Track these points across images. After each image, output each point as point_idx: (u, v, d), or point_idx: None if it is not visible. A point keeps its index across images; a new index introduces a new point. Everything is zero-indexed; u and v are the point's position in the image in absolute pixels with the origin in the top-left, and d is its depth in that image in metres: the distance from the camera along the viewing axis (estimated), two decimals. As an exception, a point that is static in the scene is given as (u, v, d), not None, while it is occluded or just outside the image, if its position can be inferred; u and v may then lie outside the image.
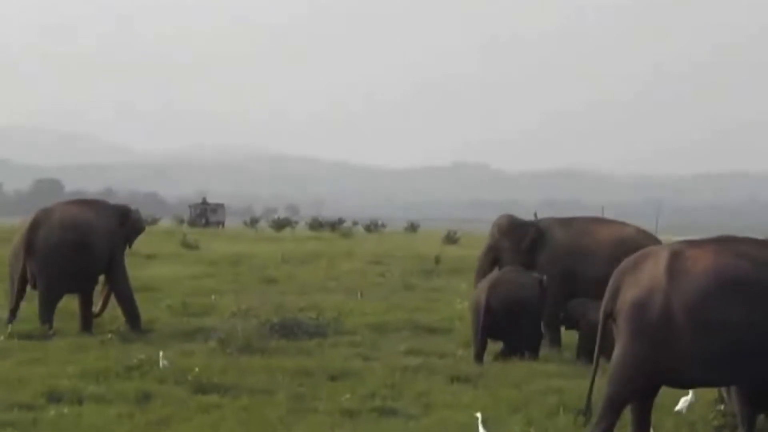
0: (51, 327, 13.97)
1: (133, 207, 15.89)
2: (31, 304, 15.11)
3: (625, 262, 7.97)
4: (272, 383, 10.69)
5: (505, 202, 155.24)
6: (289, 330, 14.00)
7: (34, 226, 14.52)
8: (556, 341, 13.63)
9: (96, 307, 14.85)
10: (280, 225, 64.38)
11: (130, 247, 15.36)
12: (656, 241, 13.63)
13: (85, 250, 14.45)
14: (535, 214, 15.19)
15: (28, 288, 14.50)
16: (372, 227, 65.77)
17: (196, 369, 10.60)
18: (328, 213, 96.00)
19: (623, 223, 14.51)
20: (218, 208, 75.98)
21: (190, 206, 79.63)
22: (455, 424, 9.13)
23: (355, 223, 71.49)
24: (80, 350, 12.43)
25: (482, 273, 14.15)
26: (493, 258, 14.35)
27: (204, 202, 77.55)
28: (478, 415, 8.64)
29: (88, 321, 14.58)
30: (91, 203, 15.46)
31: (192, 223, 69.65)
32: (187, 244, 33.95)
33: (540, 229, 14.17)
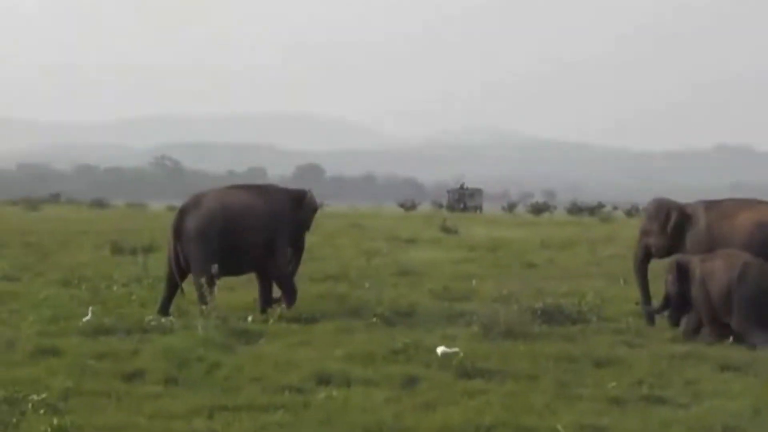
0: (205, 303, 13.81)
1: (308, 189, 15.78)
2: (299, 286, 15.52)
3: None
4: (536, 369, 10.60)
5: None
6: (551, 316, 13.88)
7: (183, 211, 14.80)
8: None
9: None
10: (538, 210, 64.21)
11: (308, 229, 15.46)
12: None
13: (231, 236, 14.53)
14: None
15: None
16: (633, 212, 64.76)
17: (461, 354, 10.63)
18: (585, 197, 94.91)
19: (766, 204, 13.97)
20: (476, 193, 76.23)
21: (448, 191, 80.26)
22: (726, 413, 8.83)
23: (614, 208, 70.51)
24: (346, 333, 12.65)
25: (637, 258, 14.50)
26: (645, 243, 14.40)
27: (462, 187, 77.97)
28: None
29: (266, 300, 14.73)
30: (254, 188, 15.50)
31: (450, 208, 70.22)
32: (446, 229, 34.25)
33: (685, 212, 14.01)
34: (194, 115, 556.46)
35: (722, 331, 12.62)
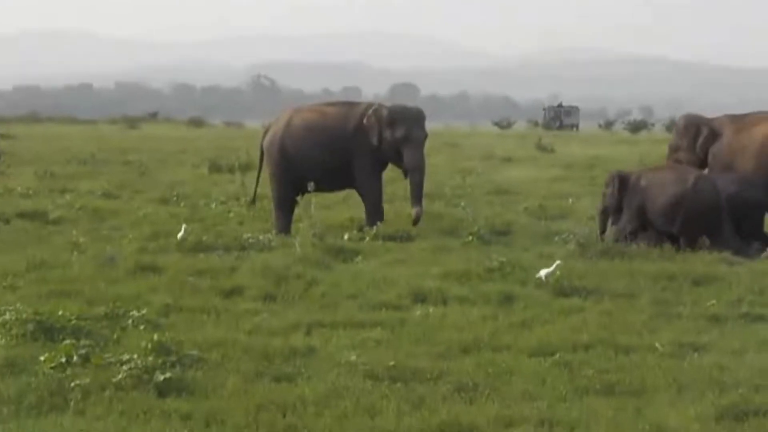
0: (286, 233, 14.22)
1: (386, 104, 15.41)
2: (392, 206, 15.52)
3: None
4: (634, 287, 10.52)
5: None
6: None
7: (266, 130, 15.30)
8: None
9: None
10: (636, 127, 63.33)
11: (404, 144, 14.68)
12: None
13: (293, 154, 14.70)
14: None
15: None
16: (731, 129, 63.54)
17: (557, 272, 10.56)
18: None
19: None
20: (572, 110, 75.24)
21: (544, 109, 79.39)
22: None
23: (713, 125, 69.31)
24: (442, 252, 12.65)
25: None
26: (674, 159, 14.48)
27: (559, 105, 77.12)
28: None
29: (370, 217, 14.56)
30: (335, 106, 15.42)
31: (546, 126, 69.56)
32: (542, 147, 33.94)
33: (713, 127, 14.09)
34: (289, 34, 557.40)
35: (659, 239, 13.15)
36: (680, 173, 13.36)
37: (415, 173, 14.80)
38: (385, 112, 14.77)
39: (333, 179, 14.79)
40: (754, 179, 13.41)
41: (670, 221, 13.03)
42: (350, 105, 15.45)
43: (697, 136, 14.17)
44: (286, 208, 14.78)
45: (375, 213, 14.60)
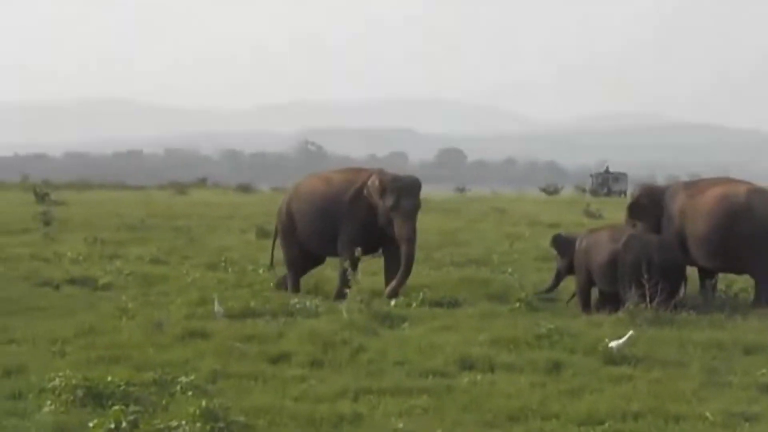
0: (292, 289, 15.00)
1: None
2: (439, 272, 15.50)
3: None
4: (684, 356, 10.43)
5: None
6: (698, 301, 13.64)
7: (287, 194, 15.91)
8: None
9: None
10: (684, 194, 62.93)
11: (395, 210, 14.47)
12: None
13: (297, 219, 15.18)
14: None
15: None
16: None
17: (606, 340, 10.50)
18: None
19: (742, 182, 14.43)
20: (620, 177, 74.97)
21: (591, 175, 79.13)
22: None
23: (763, 192, 68.74)
24: (490, 318, 12.59)
25: None
26: (633, 225, 14.57)
27: (606, 171, 76.85)
28: None
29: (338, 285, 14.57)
30: (339, 173, 15.49)
31: (593, 192, 69.28)
32: (590, 213, 33.83)
33: (665, 192, 14.46)
34: (334, 100, 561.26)
35: (604, 301, 13.41)
36: (614, 233, 13.61)
37: (405, 244, 14.53)
38: (377, 182, 14.68)
39: (333, 246, 14.81)
40: (671, 241, 13.72)
41: (608, 280, 13.22)
42: (354, 172, 15.40)
43: (651, 202, 14.49)
44: (295, 269, 15.27)
45: (342, 279, 14.31)
